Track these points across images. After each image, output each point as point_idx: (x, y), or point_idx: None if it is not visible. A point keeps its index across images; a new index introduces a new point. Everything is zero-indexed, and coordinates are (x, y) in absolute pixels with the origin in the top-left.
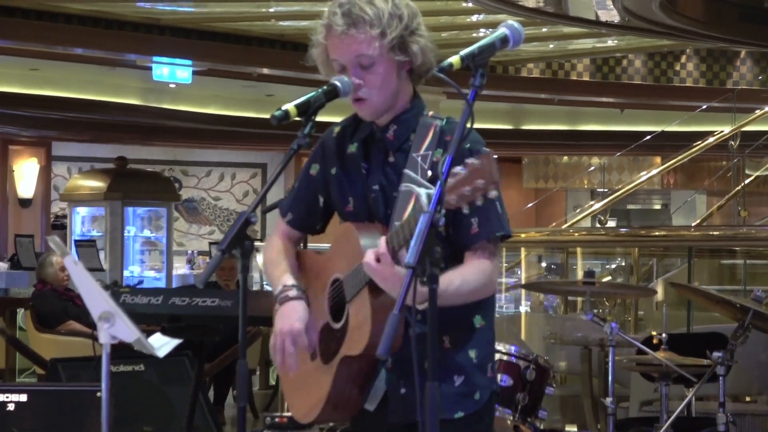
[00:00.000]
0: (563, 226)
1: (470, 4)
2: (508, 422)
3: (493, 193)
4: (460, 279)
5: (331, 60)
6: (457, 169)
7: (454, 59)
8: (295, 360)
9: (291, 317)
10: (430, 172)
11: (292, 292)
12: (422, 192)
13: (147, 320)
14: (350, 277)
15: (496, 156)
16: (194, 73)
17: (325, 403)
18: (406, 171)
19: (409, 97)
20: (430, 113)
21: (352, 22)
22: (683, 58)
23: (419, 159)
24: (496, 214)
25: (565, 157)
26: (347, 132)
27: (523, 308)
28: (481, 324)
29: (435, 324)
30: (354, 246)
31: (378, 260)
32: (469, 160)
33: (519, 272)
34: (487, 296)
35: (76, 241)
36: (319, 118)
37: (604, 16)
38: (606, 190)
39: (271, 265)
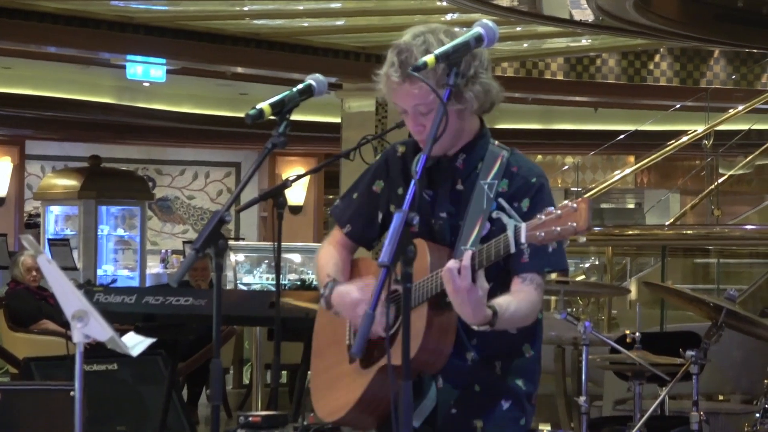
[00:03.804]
0: None
1: (444, 3)
2: None
3: None
4: (515, 305)
5: (393, 102)
6: (550, 209)
7: (429, 58)
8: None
9: (348, 292)
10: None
11: (331, 283)
12: (510, 223)
13: (121, 319)
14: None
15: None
16: (168, 71)
17: (354, 406)
18: (501, 200)
19: (477, 128)
20: (497, 143)
21: (406, 75)
22: (657, 57)
23: (486, 187)
24: (547, 250)
25: (539, 156)
26: (409, 152)
27: None
28: (530, 353)
29: (408, 324)
30: (421, 262)
31: (459, 272)
32: (567, 202)
33: None
34: (529, 324)
35: (49, 240)
36: (295, 117)
37: (578, 16)
38: (580, 189)
39: (321, 269)
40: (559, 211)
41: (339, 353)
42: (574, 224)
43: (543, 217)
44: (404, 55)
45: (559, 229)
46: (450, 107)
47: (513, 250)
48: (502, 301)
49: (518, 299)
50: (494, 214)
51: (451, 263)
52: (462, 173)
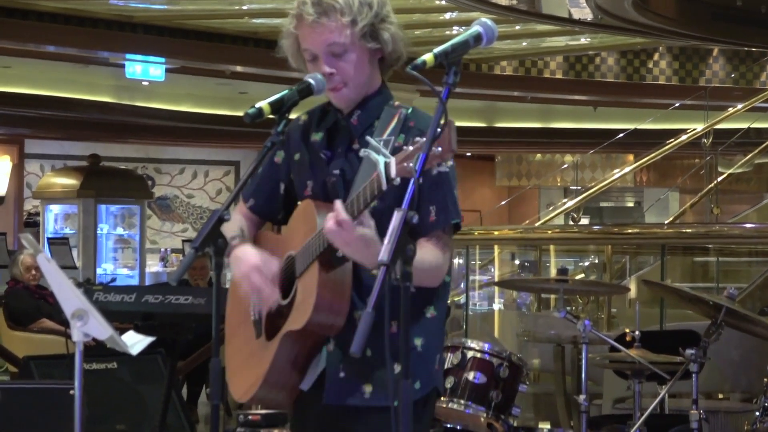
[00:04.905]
0: (536, 224)
1: (444, 2)
2: (482, 419)
3: (446, 166)
4: (419, 255)
5: (303, 50)
6: (417, 138)
7: (428, 57)
8: (270, 289)
9: (244, 258)
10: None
11: (235, 241)
12: (380, 159)
13: (120, 318)
14: (302, 252)
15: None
16: (167, 70)
17: (263, 381)
18: (368, 138)
19: (378, 85)
20: (396, 103)
21: (322, 11)
22: (656, 56)
23: (381, 144)
24: (453, 200)
25: (538, 155)
26: (313, 120)
27: (497, 306)
28: (432, 314)
29: (408, 323)
30: (310, 222)
31: (339, 225)
32: (437, 129)
33: (492, 270)
34: (435, 285)
35: (49, 238)
36: (293, 116)
37: (577, 14)
38: (579, 187)
39: (227, 230)
40: (424, 139)
41: (247, 331)
42: (439, 148)
43: (410, 147)
44: None
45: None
46: (364, 44)
47: (385, 187)
48: None
49: (422, 251)
50: (362, 152)
51: (329, 221)
52: (357, 129)
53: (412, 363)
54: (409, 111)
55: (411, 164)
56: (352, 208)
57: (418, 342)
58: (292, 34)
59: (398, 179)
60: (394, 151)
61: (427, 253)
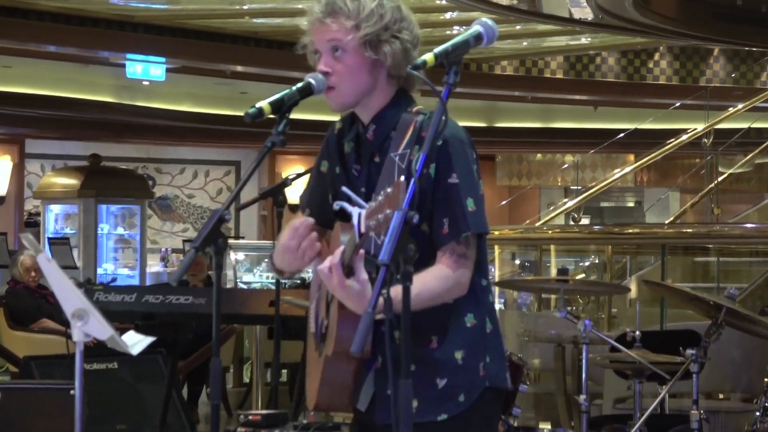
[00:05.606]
0: (537, 224)
1: (444, 2)
2: None
3: (456, 177)
4: (420, 284)
5: (311, 41)
6: (379, 197)
7: (428, 56)
8: (310, 244)
9: (280, 245)
10: (402, 177)
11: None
12: (354, 211)
13: (121, 318)
14: None
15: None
16: (168, 70)
17: (318, 390)
18: (343, 189)
19: (391, 95)
20: (415, 109)
21: (330, 11)
22: (656, 56)
23: (396, 159)
24: (463, 213)
25: (539, 155)
26: (345, 128)
27: (497, 306)
28: (472, 323)
29: (408, 321)
30: (336, 245)
31: (329, 269)
32: (388, 188)
33: (492, 270)
34: (460, 296)
35: (49, 238)
36: (294, 116)
37: (577, 14)
38: (579, 187)
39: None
40: (380, 197)
41: (313, 342)
42: (388, 210)
43: (374, 204)
44: None
45: (381, 216)
46: (361, 53)
47: (357, 240)
48: (399, 288)
49: (423, 279)
50: (335, 206)
51: (324, 263)
52: (374, 144)
53: (454, 378)
54: (426, 118)
55: (372, 222)
56: (343, 256)
57: (458, 355)
58: (307, 32)
59: (368, 233)
60: (408, 166)
61: (431, 278)
